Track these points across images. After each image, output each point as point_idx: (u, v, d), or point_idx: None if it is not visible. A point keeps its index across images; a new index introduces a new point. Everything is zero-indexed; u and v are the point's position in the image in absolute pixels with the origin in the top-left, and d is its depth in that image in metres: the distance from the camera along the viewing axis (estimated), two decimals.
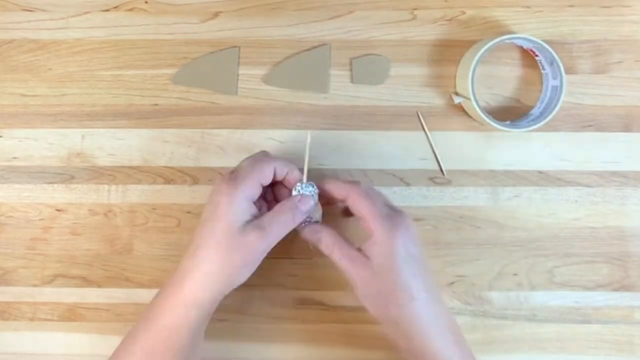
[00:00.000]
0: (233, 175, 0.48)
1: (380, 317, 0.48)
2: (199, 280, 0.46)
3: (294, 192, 0.50)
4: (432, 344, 0.46)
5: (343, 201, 0.50)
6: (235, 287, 0.48)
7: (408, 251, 0.46)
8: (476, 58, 0.54)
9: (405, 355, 0.48)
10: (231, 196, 0.46)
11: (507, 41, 0.56)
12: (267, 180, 0.49)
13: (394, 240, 0.46)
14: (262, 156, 0.50)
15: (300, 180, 0.50)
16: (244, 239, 0.46)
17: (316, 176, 0.58)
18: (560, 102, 0.55)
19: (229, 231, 0.46)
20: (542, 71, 0.58)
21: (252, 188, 0.47)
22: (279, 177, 0.50)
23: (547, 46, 0.54)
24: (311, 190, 0.50)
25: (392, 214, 0.47)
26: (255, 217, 0.48)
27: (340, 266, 0.48)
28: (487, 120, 0.54)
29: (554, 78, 0.56)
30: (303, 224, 0.50)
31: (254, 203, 0.48)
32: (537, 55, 0.57)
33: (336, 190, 0.50)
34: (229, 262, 0.46)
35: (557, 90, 0.55)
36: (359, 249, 0.48)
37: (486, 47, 0.54)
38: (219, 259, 0.46)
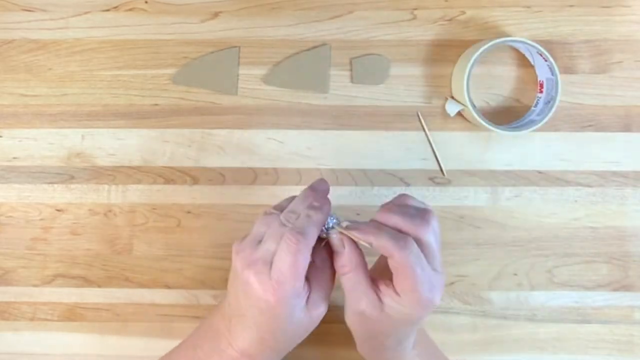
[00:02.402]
0: (276, 280, 0.41)
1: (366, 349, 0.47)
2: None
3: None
4: None
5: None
6: None
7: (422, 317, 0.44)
8: (469, 66, 0.54)
9: None
10: (283, 306, 0.41)
11: (501, 44, 0.56)
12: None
13: (421, 310, 0.42)
14: (298, 244, 0.41)
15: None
16: (312, 319, 0.43)
17: (315, 175, 0.58)
18: (557, 103, 0.55)
19: (296, 322, 0.43)
20: (537, 73, 0.58)
21: (300, 289, 0.42)
22: None
23: (541, 47, 0.54)
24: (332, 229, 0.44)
25: (432, 285, 0.41)
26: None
27: (349, 289, 0.43)
28: (484, 124, 0.54)
29: (549, 79, 0.56)
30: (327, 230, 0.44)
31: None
32: (532, 57, 0.57)
33: (383, 249, 0.41)
34: (300, 338, 0.45)
35: (553, 91, 0.55)
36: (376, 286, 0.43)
37: (479, 52, 0.54)
38: (288, 342, 0.45)
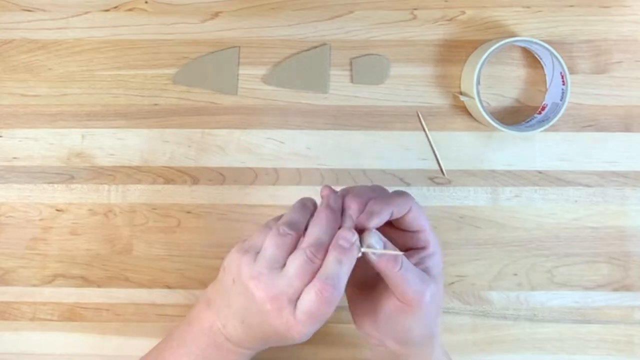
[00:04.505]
0: (301, 320, 0.41)
1: (419, 335, 0.45)
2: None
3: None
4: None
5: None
6: None
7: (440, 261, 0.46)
8: (483, 57, 0.54)
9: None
10: (301, 338, 0.42)
11: (517, 44, 0.56)
12: None
13: (440, 251, 0.45)
14: (331, 296, 0.40)
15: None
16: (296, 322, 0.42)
17: (315, 175, 0.58)
18: (564, 108, 0.55)
19: (287, 328, 0.42)
20: (546, 75, 0.58)
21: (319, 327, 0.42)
22: None
23: (555, 52, 0.54)
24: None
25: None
26: None
27: (405, 281, 0.42)
28: (491, 121, 0.54)
29: (558, 83, 0.56)
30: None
31: None
32: (542, 59, 0.57)
33: (399, 208, 0.43)
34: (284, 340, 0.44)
35: (561, 96, 0.55)
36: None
37: (495, 46, 0.53)
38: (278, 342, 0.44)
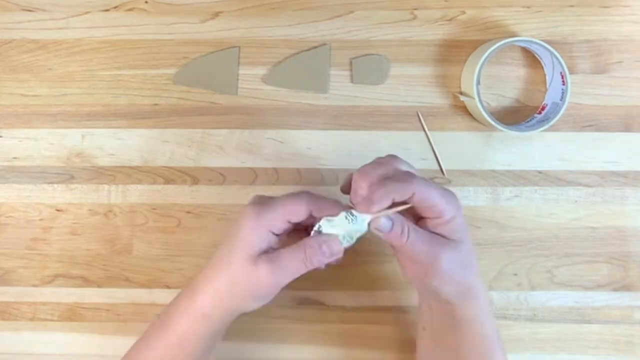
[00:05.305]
0: (262, 201, 0.46)
1: (453, 291, 0.46)
2: (210, 295, 0.46)
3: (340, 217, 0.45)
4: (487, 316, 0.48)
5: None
6: (244, 312, 0.47)
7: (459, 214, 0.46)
8: (483, 57, 0.54)
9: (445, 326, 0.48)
10: (254, 221, 0.45)
11: (517, 43, 0.56)
12: (297, 218, 0.45)
13: (460, 213, 0.46)
14: (301, 193, 0.46)
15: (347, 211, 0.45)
16: (254, 270, 0.44)
17: (315, 175, 0.58)
18: (564, 108, 0.55)
19: (243, 257, 0.44)
20: (546, 75, 0.58)
21: (276, 220, 0.45)
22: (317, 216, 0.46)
23: (556, 52, 0.54)
24: (354, 229, 0.45)
25: (447, 191, 0.46)
26: (274, 249, 0.46)
27: (423, 248, 0.44)
28: (491, 121, 0.54)
29: (558, 83, 0.56)
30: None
31: (279, 237, 0.46)
32: (542, 59, 0.57)
33: (400, 194, 0.44)
34: (238, 288, 0.45)
35: (561, 96, 0.55)
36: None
37: (495, 46, 0.53)
38: (229, 282, 0.45)
